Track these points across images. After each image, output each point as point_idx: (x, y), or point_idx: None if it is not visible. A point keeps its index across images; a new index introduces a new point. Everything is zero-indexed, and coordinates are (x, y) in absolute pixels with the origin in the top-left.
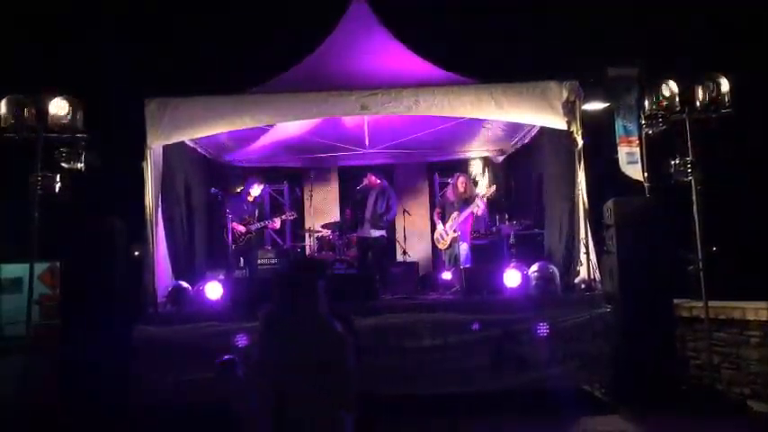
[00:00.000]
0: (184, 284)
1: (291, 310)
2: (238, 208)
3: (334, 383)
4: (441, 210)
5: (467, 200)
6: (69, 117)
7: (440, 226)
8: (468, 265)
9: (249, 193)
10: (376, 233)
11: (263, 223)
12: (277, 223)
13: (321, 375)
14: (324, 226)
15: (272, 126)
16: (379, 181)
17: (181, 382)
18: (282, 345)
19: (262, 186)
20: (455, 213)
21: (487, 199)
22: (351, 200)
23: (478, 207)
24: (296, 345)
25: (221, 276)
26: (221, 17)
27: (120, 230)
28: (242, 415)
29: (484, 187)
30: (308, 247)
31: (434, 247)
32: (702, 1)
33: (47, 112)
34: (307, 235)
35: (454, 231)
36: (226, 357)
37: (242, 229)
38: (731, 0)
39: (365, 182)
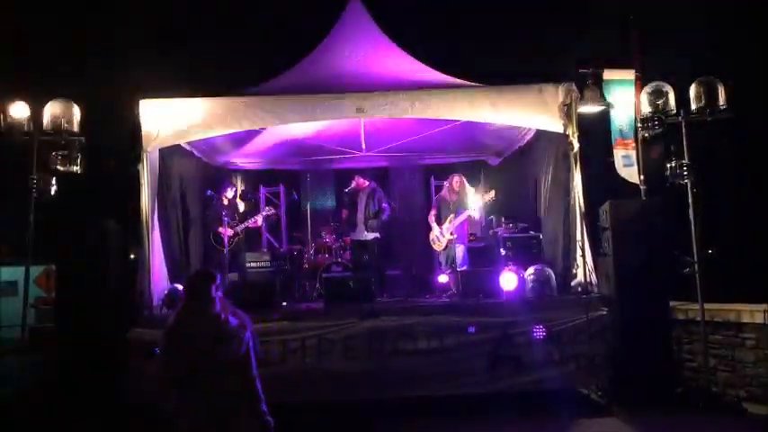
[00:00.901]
0: (180, 287)
1: (190, 310)
2: (222, 212)
3: (229, 372)
4: (436, 212)
5: (463, 200)
6: (65, 120)
7: (435, 228)
8: (464, 268)
9: (226, 197)
10: (370, 235)
11: (245, 223)
12: (258, 220)
13: (217, 364)
14: (320, 229)
15: (263, 128)
16: (367, 183)
17: None
18: (184, 339)
19: (234, 189)
20: (451, 216)
21: (485, 203)
22: (341, 203)
23: (475, 211)
24: (194, 339)
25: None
26: (217, 18)
27: (116, 233)
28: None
29: (481, 190)
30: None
31: (431, 249)
32: (699, 3)
33: (42, 114)
34: (302, 237)
35: (451, 234)
36: (155, 350)
37: (228, 231)
38: (728, 2)
39: (353, 184)
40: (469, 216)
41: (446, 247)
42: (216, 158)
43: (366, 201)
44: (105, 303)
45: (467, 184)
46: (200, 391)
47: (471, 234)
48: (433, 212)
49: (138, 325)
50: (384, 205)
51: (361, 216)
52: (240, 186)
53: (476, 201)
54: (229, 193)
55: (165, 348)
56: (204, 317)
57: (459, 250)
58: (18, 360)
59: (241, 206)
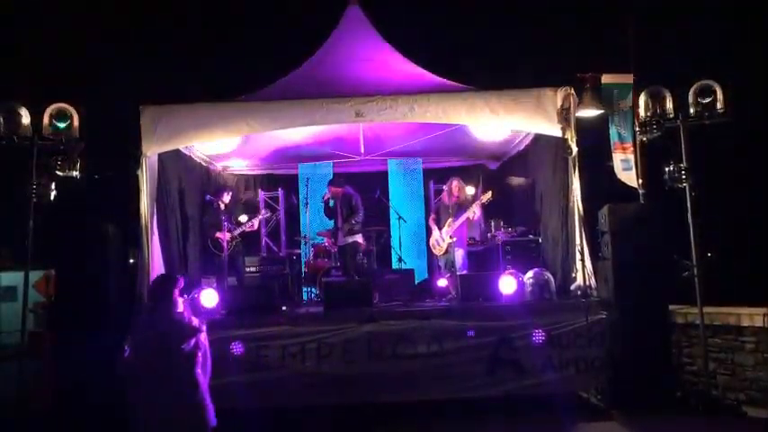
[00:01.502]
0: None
1: (153, 310)
2: (219, 217)
3: (184, 367)
4: (436, 215)
5: (462, 204)
6: (64, 125)
7: (435, 232)
8: (463, 272)
9: (222, 201)
10: (349, 239)
11: (242, 228)
12: (255, 224)
13: (175, 356)
14: (319, 233)
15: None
16: (340, 189)
17: None
18: (146, 334)
19: (230, 194)
20: (450, 219)
21: (483, 204)
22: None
23: (474, 213)
24: (155, 334)
25: (214, 284)
26: (217, 24)
27: (115, 237)
28: (126, 385)
29: (479, 193)
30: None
31: (430, 253)
32: (697, 8)
33: (42, 119)
34: (302, 242)
35: (450, 237)
36: (126, 348)
37: (226, 236)
38: (726, 7)
39: (327, 194)
40: (468, 219)
41: (446, 251)
42: (215, 163)
43: (341, 206)
44: (104, 307)
45: (465, 188)
46: (158, 384)
47: (470, 238)
48: (432, 217)
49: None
50: (354, 205)
51: (340, 222)
52: (243, 191)
53: (474, 204)
54: (225, 198)
55: (132, 345)
56: (167, 316)
57: (459, 254)
58: (18, 364)
59: (243, 218)
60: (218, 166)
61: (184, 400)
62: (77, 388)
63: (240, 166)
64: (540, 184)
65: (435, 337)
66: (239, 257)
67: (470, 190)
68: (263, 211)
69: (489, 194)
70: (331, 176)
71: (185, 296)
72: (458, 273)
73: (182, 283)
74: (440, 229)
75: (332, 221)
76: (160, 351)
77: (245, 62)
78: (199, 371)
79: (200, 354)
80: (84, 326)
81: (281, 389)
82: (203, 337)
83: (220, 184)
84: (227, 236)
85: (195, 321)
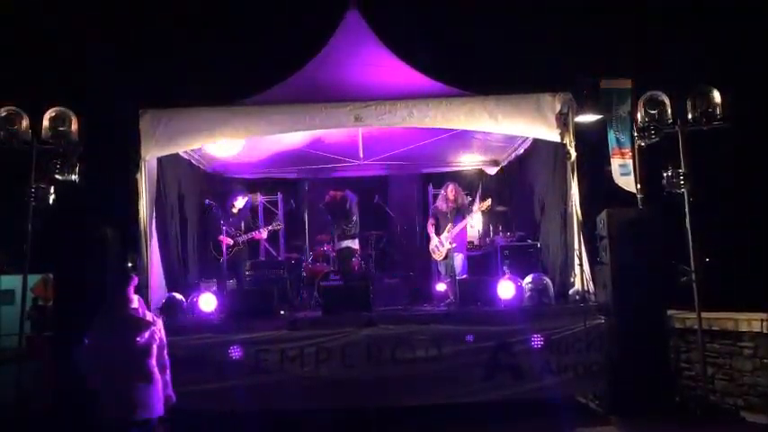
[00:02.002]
0: (178, 296)
1: (109, 307)
2: (226, 220)
3: (142, 356)
4: (434, 221)
5: (459, 209)
6: (63, 128)
7: (434, 238)
8: (462, 277)
9: (233, 205)
10: (343, 243)
11: (249, 235)
12: (264, 233)
13: (130, 347)
14: (318, 237)
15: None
16: (339, 193)
17: (175, 393)
18: (102, 328)
19: (246, 198)
20: (449, 225)
21: (482, 212)
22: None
23: (473, 220)
24: (110, 327)
25: (213, 288)
26: (216, 28)
27: (114, 241)
28: (84, 371)
29: (477, 199)
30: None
31: (429, 258)
32: (695, 14)
33: (41, 123)
34: (301, 246)
35: (450, 243)
36: (85, 339)
37: (229, 241)
38: (723, 13)
39: (327, 198)
40: (467, 225)
41: (446, 256)
42: (214, 167)
43: (337, 211)
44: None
45: (461, 192)
46: (115, 372)
47: (469, 242)
48: (431, 222)
49: None
50: (348, 210)
51: (334, 227)
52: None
53: (472, 209)
54: (239, 202)
55: (92, 337)
56: (123, 311)
57: (459, 259)
58: (16, 368)
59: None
60: (217, 169)
61: (137, 387)
62: (77, 390)
63: (239, 170)
64: (538, 189)
65: (434, 341)
66: (241, 262)
67: (467, 197)
68: (275, 223)
69: (488, 203)
70: (330, 181)
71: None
72: (458, 277)
73: (135, 281)
74: (439, 234)
75: (332, 225)
76: (117, 343)
77: (244, 66)
78: (153, 362)
79: (155, 346)
80: (84, 328)
81: (280, 393)
82: (159, 330)
83: (233, 188)
84: (230, 241)
85: (149, 316)
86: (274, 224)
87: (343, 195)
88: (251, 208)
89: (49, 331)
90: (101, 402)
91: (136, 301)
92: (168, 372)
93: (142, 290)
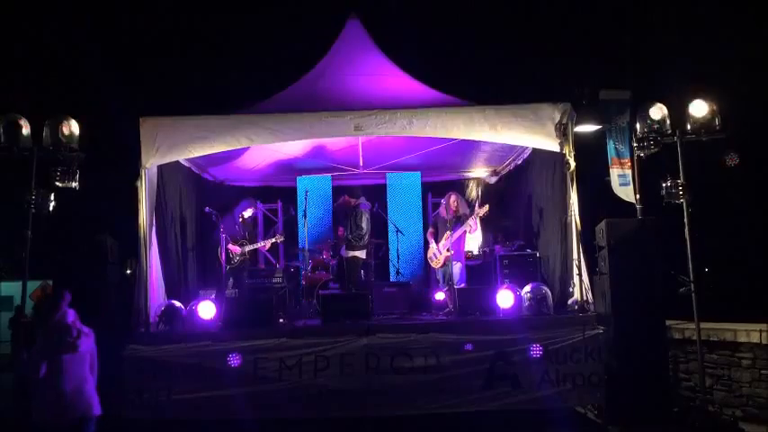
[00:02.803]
0: (177, 304)
1: (47, 318)
2: (231, 228)
3: (75, 362)
4: (434, 229)
5: (459, 218)
6: (64, 136)
7: (433, 245)
8: (461, 286)
9: (242, 216)
10: (349, 253)
11: (255, 245)
12: (267, 245)
13: (67, 356)
14: (317, 246)
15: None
16: (353, 201)
17: (174, 401)
18: (44, 336)
19: (253, 209)
20: (448, 233)
21: (480, 218)
22: (338, 220)
23: (470, 226)
24: (50, 336)
25: (213, 296)
26: (216, 36)
27: (113, 249)
28: (26, 372)
29: (476, 206)
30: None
31: (428, 266)
32: (694, 25)
33: (42, 130)
34: (300, 254)
35: (448, 250)
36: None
37: (237, 249)
38: (724, 24)
39: (340, 201)
40: (465, 232)
41: (444, 263)
42: (214, 175)
43: (348, 220)
44: (101, 319)
45: (463, 202)
46: (55, 378)
47: (468, 251)
48: (430, 230)
49: (135, 341)
50: (360, 223)
51: (342, 233)
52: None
53: (471, 218)
54: (247, 212)
55: (35, 348)
56: (59, 323)
57: (457, 267)
58: (14, 375)
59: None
60: (218, 178)
61: (73, 390)
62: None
63: (239, 178)
64: (538, 198)
65: (433, 350)
66: (241, 270)
67: (468, 206)
68: (278, 236)
69: (486, 208)
70: (329, 189)
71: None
72: (455, 286)
73: (69, 297)
74: (437, 242)
75: (331, 233)
76: (56, 352)
77: (245, 75)
78: (87, 367)
79: (88, 354)
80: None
81: (278, 401)
82: (91, 342)
83: (242, 198)
84: (238, 250)
85: (85, 329)
86: (277, 237)
87: (357, 203)
88: (254, 218)
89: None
90: (36, 406)
91: (70, 314)
92: (95, 377)
93: (140, 297)
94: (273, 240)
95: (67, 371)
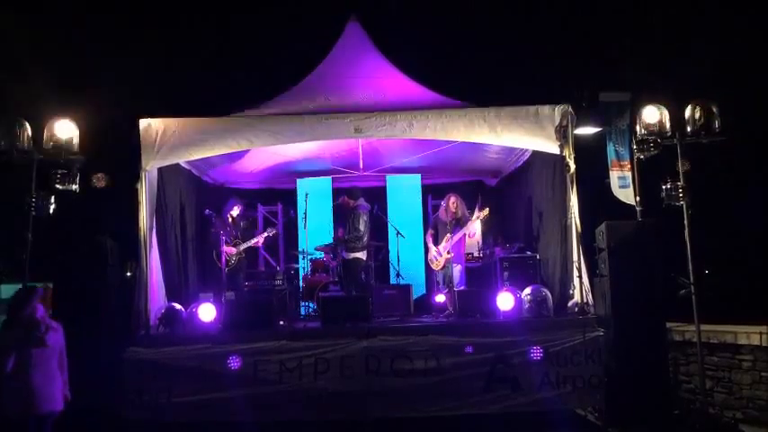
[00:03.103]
0: (177, 306)
1: (16, 315)
2: (225, 230)
3: (45, 356)
4: (434, 231)
5: (459, 220)
6: (64, 139)
7: (433, 248)
8: (461, 288)
9: (231, 215)
10: (349, 255)
11: (248, 243)
12: (260, 240)
13: (37, 350)
14: (317, 248)
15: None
16: (352, 202)
17: (174, 403)
18: (12, 332)
19: (240, 207)
20: (448, 235)
21: (480, 221)
22: (338, 222)
23: (470, 231)
24: (18, 331)
25: (212, 298)
26: (216, 38)
27: (113, 251)
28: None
29: (476, 209)
30: (301, 269)
31: (428, 268)
32: (694, 28)
33: (42, 133)
34: (300, 256)
35: (448, 253)
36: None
37: (232, 250)
38: (722, 26)
39: (339, 201)
40: (466, 235)
41: (444, 266)
42: (214, 177)
43: (347, 220)
44: (102, 321)
45: (463, 204)
46: (26, 371)
47: (468, 254)
48: (430, 232)
49: (136, 344)
50: (357, 225)
51: (341, 235)
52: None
53: (471, 220)
54: (235, 211)
55: (4, 336)
56: (31, 316)
57: (457, 270)
58: None
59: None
60: (218, 180)
61: (41, 383)
62: (77, 399)
63: (239, 180)
64: (537, 200)
65: (433, 353)
66: (240, 272)
67: (468, 208)
68: (268, 229)
69: (486, 211)
70: (329, 192)
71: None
72: (455, 288)
73: (41, 292)
74: (437, 244)
75: (331, 235)
76: (24, 346)
77: (245, 76)
78: (55, 362)
79: (57, 349)
80: (83, 339)
81: (278, 404)
82: (60, 336)
83: (226, 198)
84: (232, 250)
85: (54, 324)
86: (268, 230)
87: (355, 204)
88: (244, 216)
89: None
90: (3, 399)
91: (40, 309)
92: (66, 373)
93: (141, 299)
94: (266, 235)
95: (36, 365)
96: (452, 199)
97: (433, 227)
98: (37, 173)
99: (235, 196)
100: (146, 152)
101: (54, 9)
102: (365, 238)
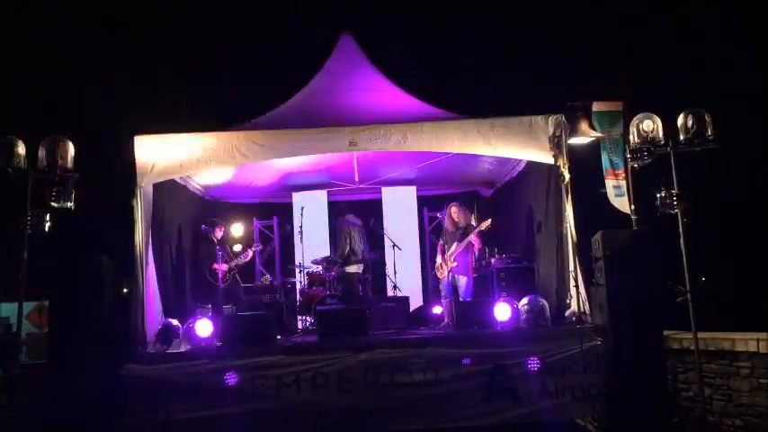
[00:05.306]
0: (174, 322)
1: None
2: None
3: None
4: (443, 242)
5: (465, 228)
6: (60, 156)
7: (439, 257)
8: (467, 300)
9: (216, 238)
10: (346, 269)
11: (237, 260)
12: (249, 255)
13: None
14: (314, 261)
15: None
16: (340, 218)
17: (172, 420)
18: None
19: (219, 228)
20: (455, 243)
21: (481, 231)
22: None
23: (473, 244)
24: None
25: (209, 314)
26: (210, 53)
27: (109, 268)
28: None
29: (478, 220)
30: (298, 283)
31: (425, 280)
32: (685, 37)
33: (37, 150)
34: (296, 270)
35: (452, 261)
36: None
37: (224, 267)
38: (714, 35)
39: (338, 219)
40: (474, 246)
41: (447, 273)
42: (210, 193)
43: (342, 237)
44: (98, 339)
45: (465, 211)
46: None
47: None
48: (440, 243)
49: (132, 361)
50: (349, 242)
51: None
52: (230, 223)
53: (473, 232)
54: (218, 233)
55: None
56: None
57: (462, 281)
58: (11, 396)
59: (237, 247)
60: (213, 195)
61: None
62: (74, 418)
63: (235, 195)
64: (533, 210)
65: (431, 365)
66: (237, 288)
67: (471, 216)
68: (255, 244)
69: (488, 222)
70: (325, 205)
71: None
72: (460, 299)
73: None
74: (444, 254)
75: (327, 249)
76: None
77: (239, 91)
78: None
79: None
80: (79, 356)
81: (276, 419)
82: None
83: (214, 218)
84: (224, 267)
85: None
86: (254, 246)
87: (340, 221)
88: (228, 237)
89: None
90: None
91: None
92: None
93: (137, 315)
94: (253, 249)
95: None
96: (454, 208)
97: (443, 238)
98: (32, 190)
99: (213, 220)
100: (140, 169)
101: (53, 28)
102: (360, 253)
